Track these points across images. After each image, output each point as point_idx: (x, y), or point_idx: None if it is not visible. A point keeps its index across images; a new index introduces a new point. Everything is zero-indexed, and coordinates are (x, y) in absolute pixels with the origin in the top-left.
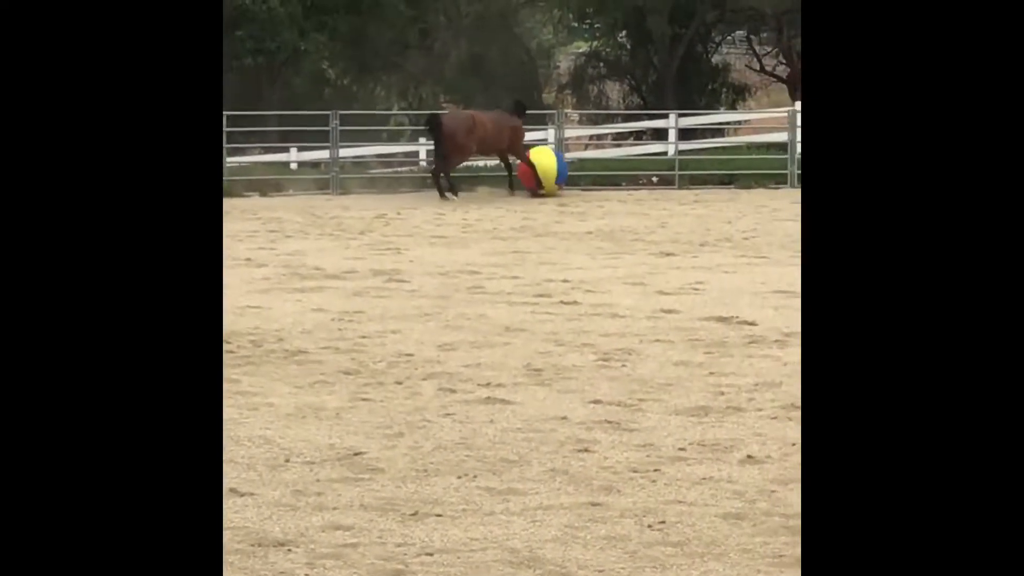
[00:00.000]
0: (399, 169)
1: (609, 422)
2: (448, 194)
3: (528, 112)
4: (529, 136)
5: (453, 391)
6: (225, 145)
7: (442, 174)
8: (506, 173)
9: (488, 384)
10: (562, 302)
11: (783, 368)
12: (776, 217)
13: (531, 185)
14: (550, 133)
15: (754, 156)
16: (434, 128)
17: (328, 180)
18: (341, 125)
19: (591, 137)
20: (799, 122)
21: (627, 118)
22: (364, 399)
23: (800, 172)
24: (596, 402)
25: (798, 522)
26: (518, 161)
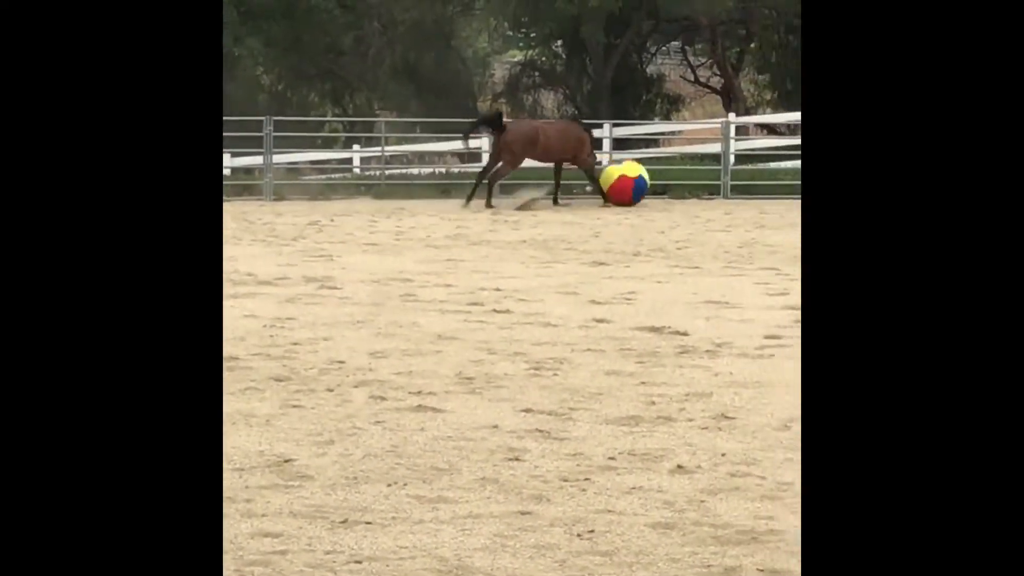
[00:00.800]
0: (333, 176)
1: (540, 431)
2: (493, 202)
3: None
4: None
5: (384, 399)
6: None
7: (492, 180)
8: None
9: (419, 392)
10: (494, 311)
11: (714, 378)
12: (709, 228)
13: (624, 199)
14: (484, 142)
15: (688, 167)
16: (493, 125)
17: (261, 186)
18: (275, 131)
19: None
20: (732, 133)
21: None
22: (295, 406)
23: (732, 183)
24: (527, 411)
25: (726, 532)
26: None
